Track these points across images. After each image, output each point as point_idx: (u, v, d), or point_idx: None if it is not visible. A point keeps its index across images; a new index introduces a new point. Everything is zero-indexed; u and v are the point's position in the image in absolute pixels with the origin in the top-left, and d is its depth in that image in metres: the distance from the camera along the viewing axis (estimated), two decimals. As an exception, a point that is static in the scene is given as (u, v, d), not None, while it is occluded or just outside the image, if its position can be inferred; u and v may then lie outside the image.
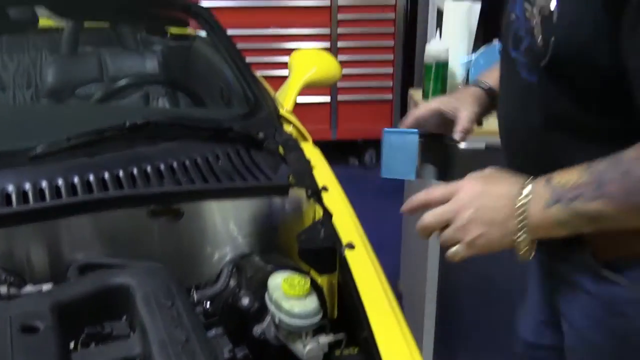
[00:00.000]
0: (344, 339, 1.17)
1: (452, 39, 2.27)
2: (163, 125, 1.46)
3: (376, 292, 1.19)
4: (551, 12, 0.97)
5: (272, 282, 1.17)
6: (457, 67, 2.29)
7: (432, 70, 2.22)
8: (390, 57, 4.42)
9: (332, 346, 1.16)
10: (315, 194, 1.43)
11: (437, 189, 1.02)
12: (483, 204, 0.97)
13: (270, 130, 1.66)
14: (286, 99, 2.06)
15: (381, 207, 2.81)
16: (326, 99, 4.43)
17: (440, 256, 2.11)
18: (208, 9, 2.08)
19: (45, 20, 2.37)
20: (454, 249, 0.99)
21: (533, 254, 0.98)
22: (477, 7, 2.29)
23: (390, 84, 4.46)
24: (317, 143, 4.51)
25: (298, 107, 4.24)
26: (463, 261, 1.01)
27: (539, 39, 1.00)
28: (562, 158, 0.99)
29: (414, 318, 2.31)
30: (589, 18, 0.92)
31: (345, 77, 4.35)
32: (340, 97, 4.47)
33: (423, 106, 1.36)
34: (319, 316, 1.13)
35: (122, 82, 2.13)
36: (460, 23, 2.27)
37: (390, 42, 4.41)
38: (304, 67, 2.30)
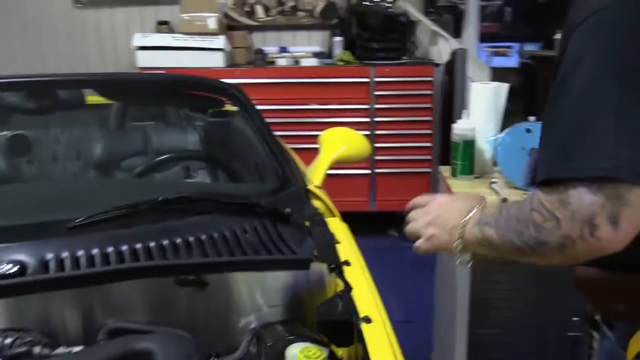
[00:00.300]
0: None
1: (480, 118, 2.32)
2: (193, 201, 1.54)
3: None
4: None
5: (290, 352, 1.21)
6: (484, 145, 2.33)
7: (460, 149, 2.28)
8: (429, 131, 4.49)
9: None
10: (337, 268, 1.47)
11: (423, 197, 1.30)
12: (442, 213, 1.21)
13: (297, 205, 1.72)
14: (315, 175, 2.12)
15: (418, 279, 2.83)
16: (365, 171, 4.51)
17: (469, 333, 2.11)
18: (241, 90, 2.18)
19: (95, 97, 2.52)
20: (417, 242, 1.24)
21: (469, 263, 1.22)
22: (505, 87, 2.35)
23: (428, 157, 4.52)
24: (355, 214, 4.59)
25: (336, 179, 4.34)
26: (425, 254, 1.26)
27: None
28: None
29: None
30: None
31: (383, 150, 4.48)
32: (378, 170, 4.53)
33: None
34: None
35: (161, 158, 2.24)
36: (488, 103, 2.33)
37: (428, 117, 4.49)
38: (334, 145, 2.38)
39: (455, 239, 1.15)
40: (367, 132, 4.43)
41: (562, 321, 2.08)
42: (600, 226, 0.93)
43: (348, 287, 1.40)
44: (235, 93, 2.13)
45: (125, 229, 1.42)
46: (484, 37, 7.38)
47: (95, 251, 1.35)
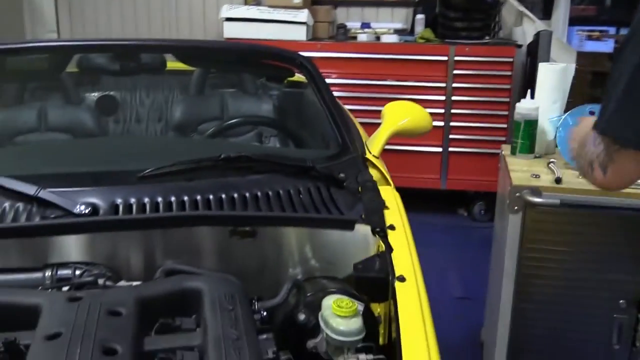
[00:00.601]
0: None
1: (545, 98, 2.33)
2: (252, 160, 1.65)
3: (416, 324, 1.26)
4: None
5: (325, 302, 1.28)
6: (547, 126, 2.34)
7: (521, 128, 2.30)
8: (505, 112, 4.44)
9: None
10: (382, 231, 1.55)
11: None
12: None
13: (353, 171, 1.80)
14: (374, 144, 2.18)
15: (483, 258, 2.87)
16: (438, 149, 4.53)
17: (513, 310, 2.14)
18: (311, 62, 2.25)
19: (176, 63, 2.67)
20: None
21: None
22: (572, 68, 2.35)
23: (503, 138, 4.49)
24: (427, 192, 4.62)
25: (410, 155, 4.38)
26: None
27: None
28: None
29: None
30: None
31: (458, 129, 4.48)
32: (452, 149, 4.54)
33: None
34: (361, 336, 1.23)
35: (231, 122, 2.37)
36: (554, 83, 2.34)
37: (506, 98, 4.44)
38: (397, 117, 2.43)
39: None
40: (443, 110, 4.44)
41: (609, 303, 2.09)
42: (595, 169, 1.24)
43: (389, 249, 1.47)
44: (304, 63, 2.21)
45: (188, 182, 1.56)
46: (580, 20, 7.17)
47: (159, 199, 1.49)
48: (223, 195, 1.53)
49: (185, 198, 1.50)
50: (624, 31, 7.57)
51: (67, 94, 2.82)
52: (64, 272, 1.38)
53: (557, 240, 2.08)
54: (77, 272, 1.37)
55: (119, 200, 1.48)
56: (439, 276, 3.58)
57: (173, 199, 1.50)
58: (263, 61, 2.51)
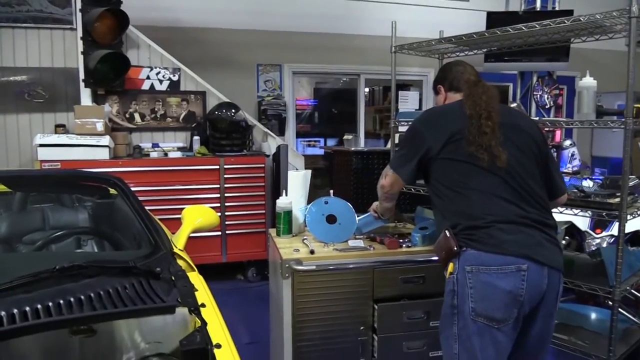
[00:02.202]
0: None
1: (294, 194, 2.44)
2: (84, 267, 1.47)
3: None
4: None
5: None
6: (298, 213, 2.45)
7: (282, 217, 2.37)
8: (262, 202, 4.57)
9: None
10: (196, 309, 1.47)
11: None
12: None
13: (165, 264, 1.70)
14: (179, 241, 2.10)
15: (261, 310, 2.84)
16: (218, 233, 4.46)
17: (293, 347, 2.13)
18: (122, 180, 2.12)
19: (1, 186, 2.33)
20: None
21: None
22: (308, 173, 2.51)
23: (263, 221, 4.60)
24: (212, 265, 4.48)
25: (196, 240, 4.24)
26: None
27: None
28: None
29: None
30: None
31: (231, 216, 4.48)
32: (228, 231, 4.50)
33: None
34: None
35: (57, 234, 2.11)
36: (299, 184, 2.46)
37: (262, 192, 4.57)
38: (193, 218, 2.37)
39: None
40: (219, 204, 4.43)
41: (355, 329, 2.18)
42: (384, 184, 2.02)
43: (204, 323, 1.40)
44: (117, 182, 2.06)
45: (27, 294, 1.33)
46: (301, 134, 7.75)
47: (2, 313, 1.25)
48: (61, 301, 1.32)
49: (27, 308, 1.27)
50: (330, 141, 8.36)
51: None
52: None
53: (317, 292, 2.13)
54: None
55: (26, 308, 1.22)
56: (230, 328, 3.45)
57: (15, 311, 1.26)
58: (81, 182, 2.29)
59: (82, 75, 4.39)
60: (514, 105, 4.54)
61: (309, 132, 8.72)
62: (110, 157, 4.26)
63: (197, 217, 2.38)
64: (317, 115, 8.95)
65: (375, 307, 2.18)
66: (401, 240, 2.33)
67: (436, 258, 1.83)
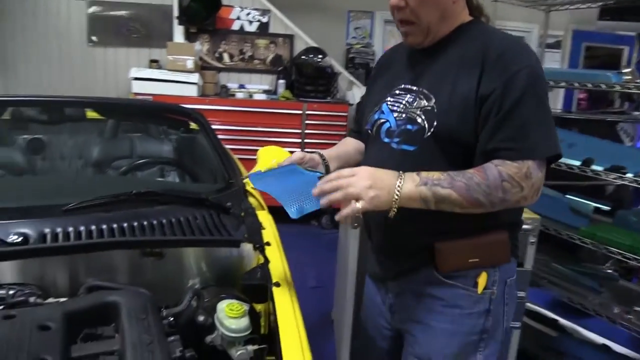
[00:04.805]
0: (266, 349, 1.21)
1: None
2: (159, 194, 1.53)
3: (289, 318, 1.23)
4: (432, 107, 1.18)
5: (219, 306, 1.21)
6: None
7: (357, 166, 2.34)
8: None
9: (259, 354, 1.19)
10: (261, 247, 1.49)
11: (345, 170, 1.13)
12: (377, 177, 1.10)
13: (237, 200, 1.74)
14: (252, 179, 2.13)
15: (329, 255, 2.90)
16: (295, 177, 4.51)
17: (355, 295, 2.16)
18: (203, 116, 2.17)
19: (93, 113, 2.48)
20: (358, 204, 1.07)
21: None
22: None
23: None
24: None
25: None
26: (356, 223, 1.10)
27: (424, 122, 1.19)
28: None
29: (340, 337, 2.33)
30: (460, 114, 1.15)
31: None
32: (305, 177, 4.55)
33: (293, 156, 1.41)
34: (249, 332, 1.17)
35: (140, 162, 2.22)
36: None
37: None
38: (268, 158, 2.39)
39: (394, 197, 1.09)
40: (299, 149, 4.46)
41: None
42: (540, 189, 1.14)
43: (266, 261, 1.42)
44: (198, 117, 2.12)
45: (106, 213, 1.42)
46: None
47: (82, 228, 1.34)
48: (135, 224, 1.40)
49: (104, 227, 1.36)
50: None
51: (1, 138, 2.51)
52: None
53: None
54: (11, 292, 1.19)
55: (46, 230, 1.31)
56: (297, 271, 3.55)
57: (93, 227, 1.35)
58: (166, 115, 2.38)
59: (175, 13, 4.51)
60: (627, 70, 4.10)
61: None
62: (198, 95, 4.40)
63: (272, 157, 2.40)
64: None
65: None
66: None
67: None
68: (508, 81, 1.11)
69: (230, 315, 1.18)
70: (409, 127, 1.22)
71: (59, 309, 1.06)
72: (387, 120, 1.28)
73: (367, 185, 1.08)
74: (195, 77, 4.35)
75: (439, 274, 1.24)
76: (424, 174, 1.12)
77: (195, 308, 1.27)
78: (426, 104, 1.20)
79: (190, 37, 4.70)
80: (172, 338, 1.10)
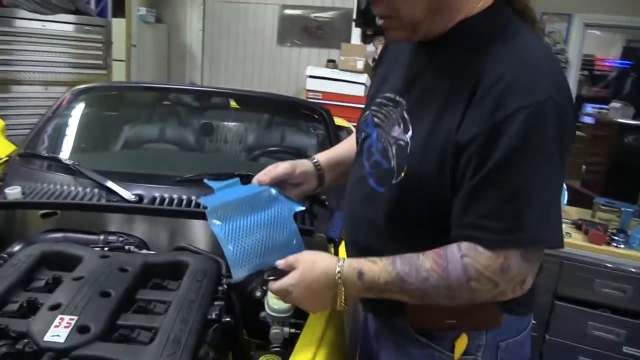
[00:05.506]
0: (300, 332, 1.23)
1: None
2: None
3: None
4: (406, 143, 0.91)
5: None
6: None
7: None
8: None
9: (294, 337, 1.21)
10: (335, 245, 1.54)
11: (284, 280, 1.01)
12: (314, 292, 0.97)
13: (334, 196, 1.80)
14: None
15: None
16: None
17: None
18: (328, 112, 2.26)
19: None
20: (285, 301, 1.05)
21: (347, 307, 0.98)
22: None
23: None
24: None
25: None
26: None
27: (393, 162, 0.94)
28: (391, 247, 0.95)
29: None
30: (436, 163, 0.87)
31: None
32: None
33: (278, 168, 1.22)
34: (290, 313, 1.22)
35: (272, 149, 2.43)
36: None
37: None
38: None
39: (331, 301, 0.97)
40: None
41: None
42: (528, 280, 0.87)
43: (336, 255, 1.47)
44: (322, 112, 2.24)
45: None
46: (596, 99, 6.56)
47: (185, 197, 1.55)
48: None
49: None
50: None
51: (180, 119, 2.94)
52: (112, 237, 1.47)
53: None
54: (120, 239, 1.47)
55: (157, 194, 1.55)
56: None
57: (194, 198, 1.55)
58: (301, 111, 2.55)
59: (353, 15, 4.75)
60: None
61: (606, 98, 7.46)
62: (365, 95, 4.56)
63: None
64: (629, 80, 7.42)
65: (556, 303, 1.93)
66: (610, 236, 1.97)
67: None
68: (495, 127, 0.78)
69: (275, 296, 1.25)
70: (381, 160, 0.98)
71: (140, 259, 1.29)
72: (370, 135, 1.04)
73: (307, 299, 0.99)
74: (363, 78, 4.52)
75: (412, 327, 1.01)
76: (367, 275, 0.92)
77: (256, 283, 1.38)
78: (401, 135, 0.93)
79: (366, 39, 4.90)
80: (217, 303, 1.22)
